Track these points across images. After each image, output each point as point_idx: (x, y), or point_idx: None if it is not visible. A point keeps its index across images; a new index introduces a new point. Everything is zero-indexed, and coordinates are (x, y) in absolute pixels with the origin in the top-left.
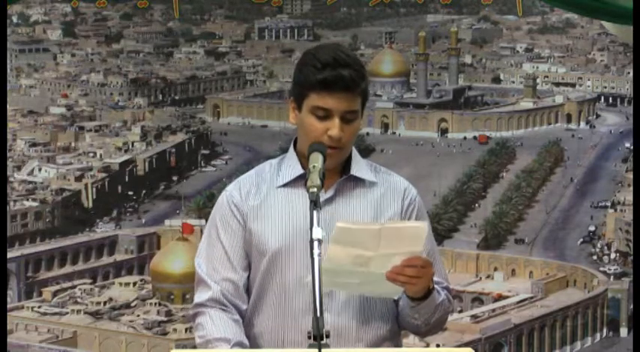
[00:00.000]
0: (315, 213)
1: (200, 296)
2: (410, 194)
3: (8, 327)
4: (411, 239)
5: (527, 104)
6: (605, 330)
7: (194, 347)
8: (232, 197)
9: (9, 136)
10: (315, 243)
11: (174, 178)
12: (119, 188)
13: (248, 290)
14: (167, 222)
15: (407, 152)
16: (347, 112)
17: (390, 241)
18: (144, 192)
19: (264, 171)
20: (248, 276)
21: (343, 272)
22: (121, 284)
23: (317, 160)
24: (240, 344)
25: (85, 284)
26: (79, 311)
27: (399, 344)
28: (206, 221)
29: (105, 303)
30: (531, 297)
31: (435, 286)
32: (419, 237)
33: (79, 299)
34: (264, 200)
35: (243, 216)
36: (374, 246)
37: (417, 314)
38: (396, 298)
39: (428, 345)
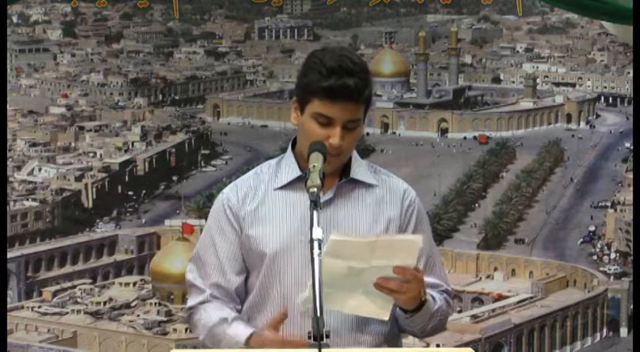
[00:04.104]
0: (315, 213)
1: (193, 300)
2: (409, 196)
3: (8, 327)
4: (405, 252)
5: (527, 104)
6: (605, 330)
7: (194, 347)
8: (229, 200)
9: (9, 136)
10: (315, 243)
11: (174, 178)
12: (119, 188)
13: (246, 293)
14: (167, 222)
15: (407, 152)
16: (349, 121)
17: (384, 254)
18: (144, 192)
19: (262, 172)
20: (245, 281)
21: (336, 285)
22: (121, 284)
23: (317, 160)
24: (239, 319)
25: (85, 284)
26: (79, 311)
27: (398, 345)
28: (206, 221)
29: (105, 303)
30: (531, 297)
31: (431, 294)
32: (413, 250)
33: (79, 299)
34: (261, 202)
35: (240, 221)
36: (367, 258)
37: (411, 323)
38: (385, 319)
39: (428, 345)
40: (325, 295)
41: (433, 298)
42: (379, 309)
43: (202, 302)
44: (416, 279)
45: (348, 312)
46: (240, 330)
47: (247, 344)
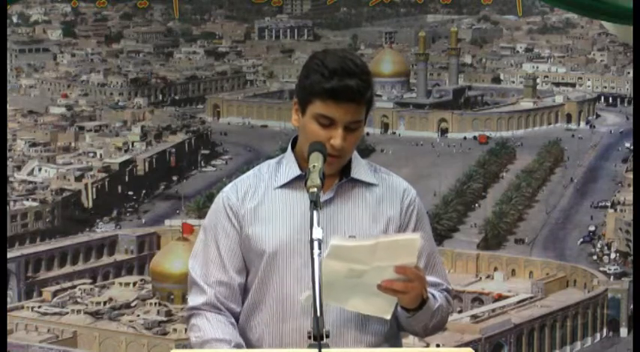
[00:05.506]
0: (314, 213)
1: (194, 299)
2: (409, 195)
3: (8, 327)
4: (405, 251)
5: (527, 104)
6: (605, 330)
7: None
8: (229, 199)
9: (9, 136)
10: (315, 243)
11: (175, 178)
12: (119, 188)
13: (245, 293)
14: (167, 222)
15: (407, 152)
16: (351, 122)
17: (385, 254)
18: (144, 192)
19: (262, 171)
20: (245, 279)
21: (337, 285)
22: (121, 284)
23: (317, 160)
24: (238, 346)
25: (85, 284)
26: (79, 311)
27: (398, 345)
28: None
29: (105, 303)
30: (531, 297)
31: (431, 292)
32: (413, 248)
33: (79, 299)
34: (261, 201)
35: (239, 219)
36: (369, 261)
37: (413, 322)
38: (388, 318)
39: (428, 345)
40: (327, 294)
41: (434, 296)
42: (382, 308)
43: (206, 304)
44: (418, 278)
45: (350, 309)
46: None
47: None
